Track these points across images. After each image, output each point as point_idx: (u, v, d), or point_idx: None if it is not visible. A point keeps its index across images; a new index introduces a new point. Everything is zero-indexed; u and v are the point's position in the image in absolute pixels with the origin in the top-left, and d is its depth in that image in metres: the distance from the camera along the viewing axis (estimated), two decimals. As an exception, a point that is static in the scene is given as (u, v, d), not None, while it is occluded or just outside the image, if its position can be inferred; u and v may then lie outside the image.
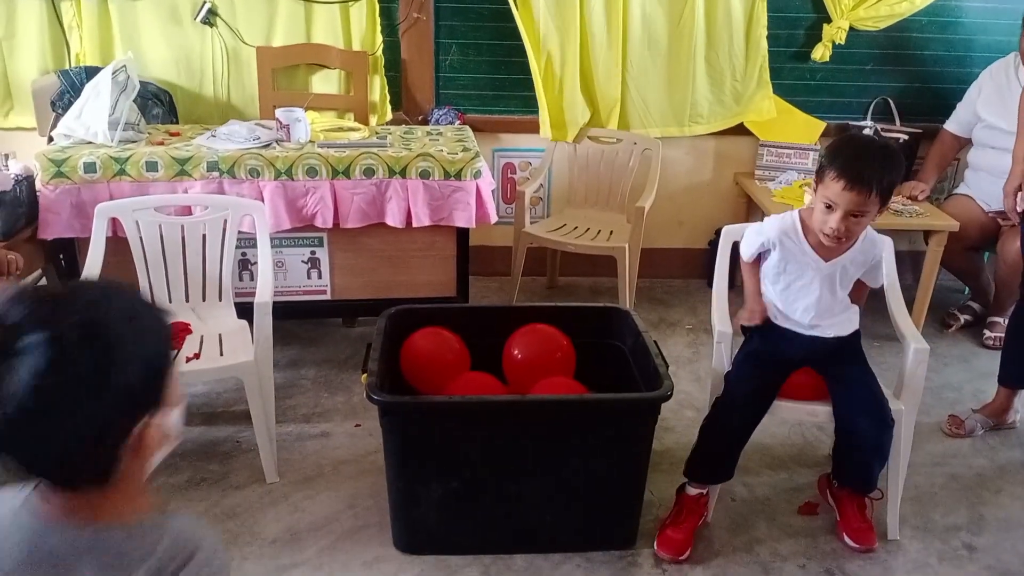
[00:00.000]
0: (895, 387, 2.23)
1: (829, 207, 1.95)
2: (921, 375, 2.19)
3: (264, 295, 2.37)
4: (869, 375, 2.17)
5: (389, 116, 3.56)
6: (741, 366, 2.22)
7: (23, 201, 2.59)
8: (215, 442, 2.55)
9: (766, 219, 2.22)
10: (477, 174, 2.83)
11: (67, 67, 3.34)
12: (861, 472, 2.17)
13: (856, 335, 2.21)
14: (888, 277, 2.27)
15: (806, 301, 2.13)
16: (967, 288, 3.71)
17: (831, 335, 2.16)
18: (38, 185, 2.65)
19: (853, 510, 2.20)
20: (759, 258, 2.22)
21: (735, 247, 2.47)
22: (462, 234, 2.93)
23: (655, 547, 2.14)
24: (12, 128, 3.46)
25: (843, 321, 2.18)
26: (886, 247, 2.18)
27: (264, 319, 2.33)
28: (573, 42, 3.51)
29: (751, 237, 2.20)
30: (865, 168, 1.90)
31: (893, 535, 2.23)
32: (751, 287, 2.28)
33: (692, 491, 2.20)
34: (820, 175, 1.99)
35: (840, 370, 2.17)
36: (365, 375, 2.02)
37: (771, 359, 2.19)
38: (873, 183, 1.90)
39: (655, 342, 2.22)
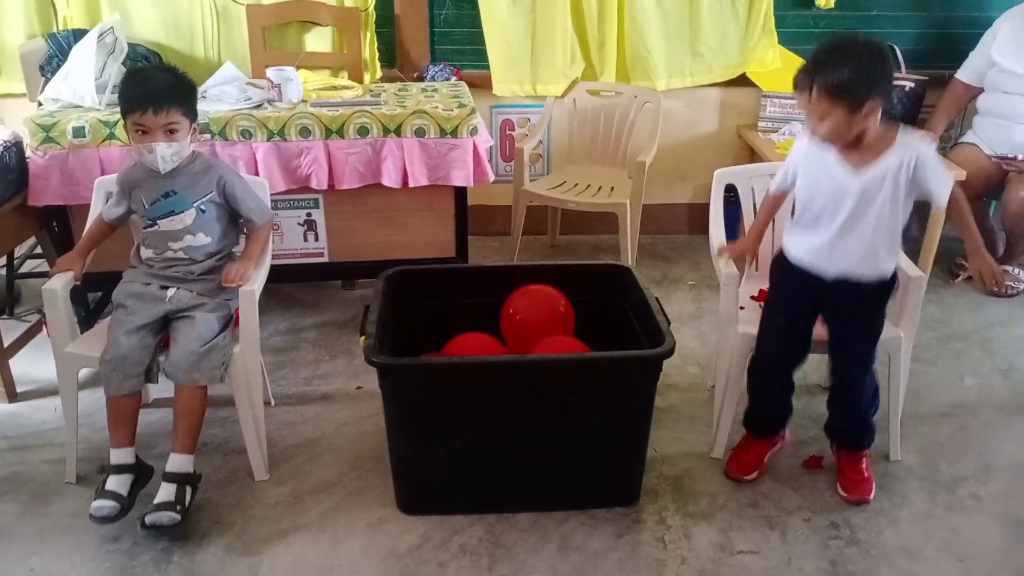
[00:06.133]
0: (894, 315, 2.23)
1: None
2: (917, 301, 2.20)
3: (252, 282, 2.18)
4: (869, 326, 2.08)
5: (379, 74, 3.50)
6: (769, 315, 2.20)
7: (12, 168, 2.54)
8: (217, 405, 2.54)
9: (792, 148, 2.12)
10: (473, 131, 2.77)
11: (54, 30, 3.27)
12: (845, 424, 2.23)
13: (885, 286, 2.05)
14: None
15: (846, 239, 1.97)
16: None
17: (858, 279, 2.01)
18: (27, 151, 2.61)
19: (848, 461, 2.22)
20: (779, 202, 2.24)
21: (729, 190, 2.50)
22: (460, 193, 2.88)
23: (725, 469, 2.26)
24: (1, 95, 3.41)
25: (879, 263, 2.01)
26: (925, 150, 1.91)
27: (250, 308, 2.17)
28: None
29: (780, 171, 2.15)
30: (803, 70, 1.87)
31: (895, 456, 2.31)
32: (757, 227, 2.27)
33: None
34: None
35: (844, 316, 2.09)
36: (363, 337, 2.00)
37: (797, 301, 2.12)
38: (809, 83, 1.84)
39: (656, 299, 2.19)
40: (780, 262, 2.16)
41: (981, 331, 3.08)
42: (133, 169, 2.20)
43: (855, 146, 1.92)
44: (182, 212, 2.15)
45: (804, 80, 1.86)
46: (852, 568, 1.96)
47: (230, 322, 2.20)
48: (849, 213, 1.95)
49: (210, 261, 2.20)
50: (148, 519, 1.96)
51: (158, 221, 2.15)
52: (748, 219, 2.51)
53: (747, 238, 2.29)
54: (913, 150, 1.91)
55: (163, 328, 2.14)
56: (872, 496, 2.18)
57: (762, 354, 2.21)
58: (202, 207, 2.16)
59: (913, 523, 2.10)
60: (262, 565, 1.96)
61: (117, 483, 2.02)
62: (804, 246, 2.07)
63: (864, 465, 2.21)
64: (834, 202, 1.97)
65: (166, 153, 2.08)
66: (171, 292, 2.15)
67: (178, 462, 2.06)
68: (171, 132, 2.07)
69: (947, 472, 2.30)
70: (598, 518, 2.11)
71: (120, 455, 2.06)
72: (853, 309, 2.07)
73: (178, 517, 1.98)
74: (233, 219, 2.27)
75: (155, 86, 2.09)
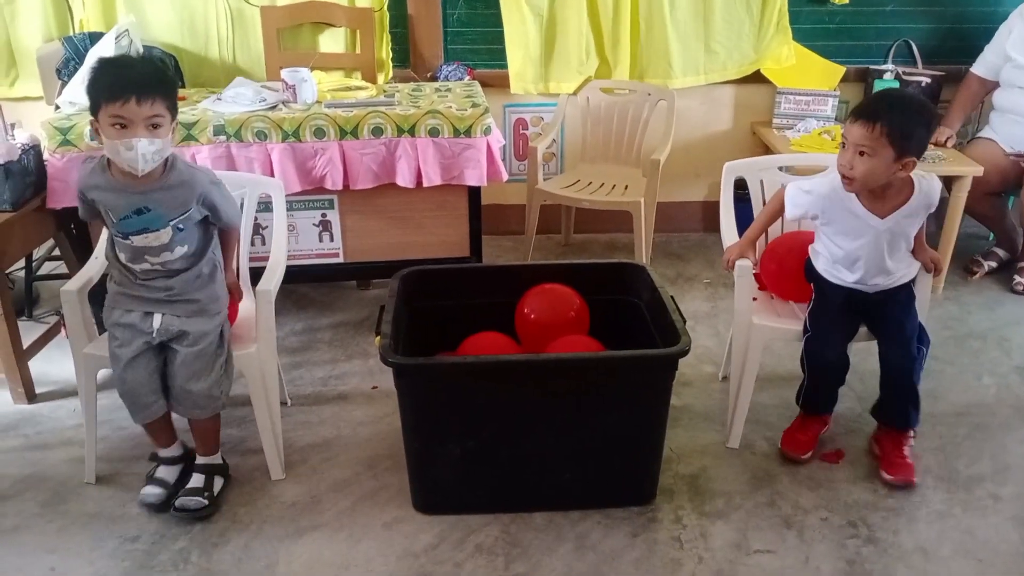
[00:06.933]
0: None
1: (844, 145, 2.06)
2: (926, 291, 2.31)
3: (268, 283, 2.20)
4: (910, 314, 2.22)
5: (391, 73, 3.51)
6: (816, 304, 2.28)
7: (31, 170, 2.56)
8: (234, 405, 2.55)
9: (814, 178, 2.24)
10: (487, 130, 2.77)
11: (71, 33, 3.29)
12: (894, 406, 2.25)
13: (911, 283, 2.25)
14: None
15: (867, 263, 2.17)
16: (992, 234, 3.64)
17: (888, 286, 2.22)
18: (45, 154, 2.63)
19: (891, 446, 2.27)
20: (782, 207, 2.30)
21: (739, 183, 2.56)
22: (474, 193, 2.88)
23: (780, 445, 2.32)
24: (19, 98, 3.45)
25: (903, 273, 2.23)
26: (936, 192, 2.17)
27: (266, 308, 2.16)
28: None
29: (798, 195, 2.24)
30: (875, 105, 2.02)
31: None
32: (752, 235, 2.36)
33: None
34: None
35: (884, 312, 2.23)
36: (379, 337, 2.00)
37: (838, 300, 2.25)
38: (879, 119, 1.97)
39: (672, 297, 2.18)
40: (812, 271, 2.31)
41: (999, 330, 3.06)
42: (91, 176, 1.95)
43: (879, 195, 2.09)
44: (158, 230, 1.94)
45: (874, 114, 1.98)
46: (869, 568, 1.95)
47: (225, 335, 2.08)
48: (877, 249, 2.15)
49: (189, 274, 2.02)
50: (177, 502, 2.08)
51: (131, 237, 1.95)
52: (757, 212, 2.51)
53: (742, 244, 2.37)
54: (928, 191, 2.12)
55: (164, 347, 2.05)
56: (916, 479, 2.21)
57: (815, 334, 2.24)
58: (180, 225, 1.96)
59: (930, 523, 2.09)
60: (279, 564, 1.97)
61: (167, 472, 2.16)
62: (833, 270, 2.24)
63: (907, 449, 2.26)
64: (860, 240, 2.15)
65: (148, 151, 1.83)
66: (156, 323, 2.00)
67: (205, 458, 2.18)
68: (154, 127, 1.83)
69: (964, 472, 2.28)
70: (614, 517, 2.11)
71: (167, 451, 2.18)
72: (890, 304, 2.22)
73: (205, 502, 2.08)
74: (208, 221, 2.06)
75: (138, 73, 1.85)
